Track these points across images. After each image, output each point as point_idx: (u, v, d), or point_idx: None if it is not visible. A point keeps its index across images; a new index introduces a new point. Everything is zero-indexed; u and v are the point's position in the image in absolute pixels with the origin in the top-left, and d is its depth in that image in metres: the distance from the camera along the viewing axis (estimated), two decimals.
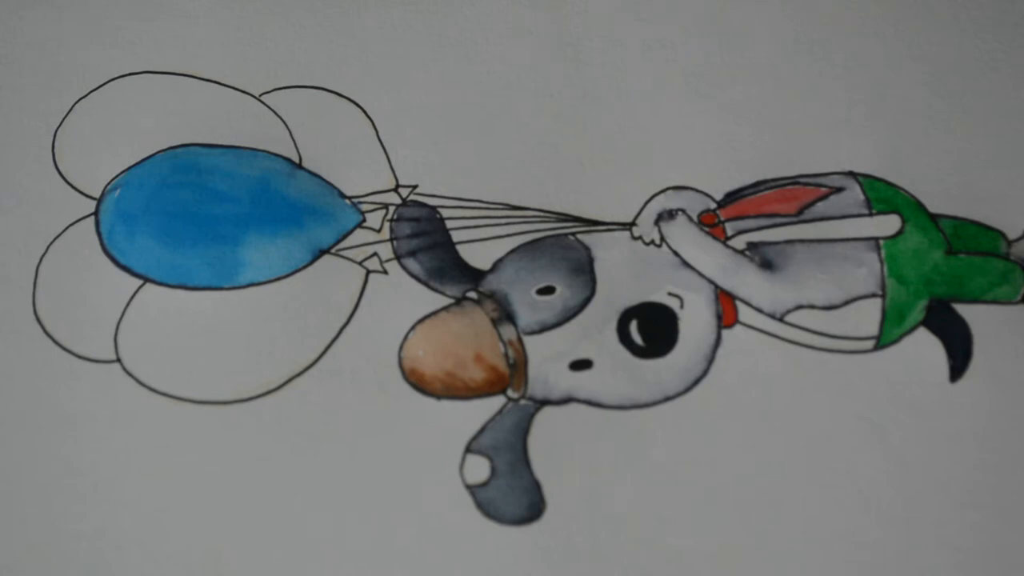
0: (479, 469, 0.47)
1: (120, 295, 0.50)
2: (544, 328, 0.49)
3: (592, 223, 0.52)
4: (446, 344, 0.49)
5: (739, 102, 0.54)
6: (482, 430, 0.47)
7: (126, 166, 0.53)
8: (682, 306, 0.50)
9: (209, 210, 0.52)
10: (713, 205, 0.52)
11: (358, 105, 0.55)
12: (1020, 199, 0.52)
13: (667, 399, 0.48)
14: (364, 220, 0.52)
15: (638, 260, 0.51)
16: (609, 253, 0.51)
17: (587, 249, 0.51)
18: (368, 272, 0.51)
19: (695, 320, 0.49)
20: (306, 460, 0.47)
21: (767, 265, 0.50)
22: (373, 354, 0.49)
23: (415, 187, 0.53)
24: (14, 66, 0.54)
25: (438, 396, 0.48)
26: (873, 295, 0.49)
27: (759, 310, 0.49)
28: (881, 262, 0.50)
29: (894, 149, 0.53)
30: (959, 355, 0.48)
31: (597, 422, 0.47)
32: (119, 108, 0.55)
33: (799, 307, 0.49)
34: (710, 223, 0.51)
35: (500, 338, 0.49)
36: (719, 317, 0.49)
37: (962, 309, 0.49)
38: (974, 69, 0.55)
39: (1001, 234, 0.51)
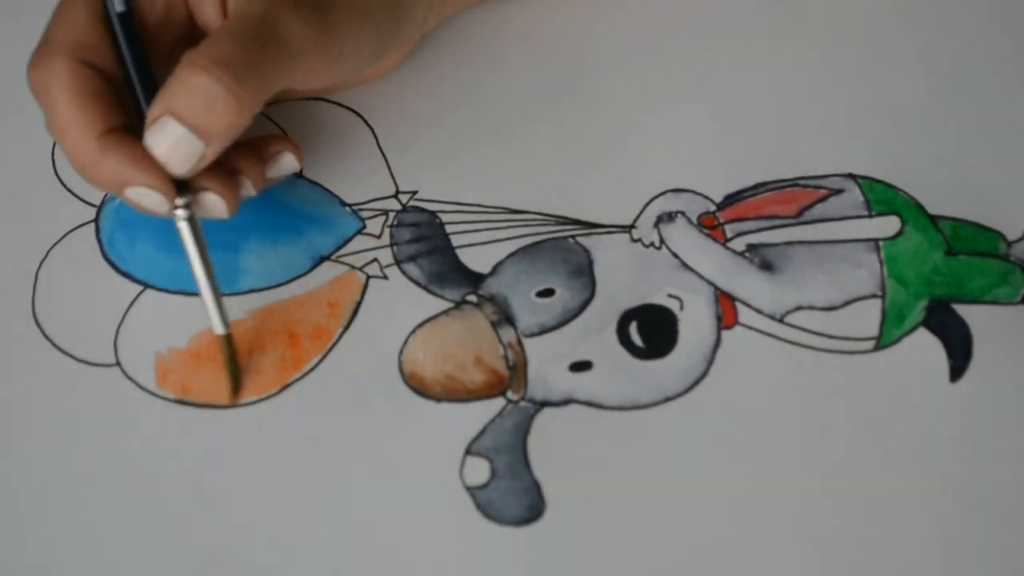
0: (479, 471, 0.47)
1: (120, 300, 0.50)
2: (544, 330, 0.49)
3: (591, 226, 0.52)
4: (446, 347, 0.49)
5: (738, 105, 0.55)
6: (482, 432, 0.47)
7: None
8: (682, 307, 0.50)
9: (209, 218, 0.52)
10: (713, 207, 0.52)
11: (358, 114, 0.55)
12: (1019, 200, 0.52)
13: (667, 400, 0.48)
14: (364, 226, 0.52)
15: (638, 262, 0.51)
16: (609, 255, 0.51)
17: (587, 251, 0.51)
18: (368, 278, 0.51)
19: (695, 321, 0.49)
20: (307, 463, 0.47)
21: (767, 266, 0.50)
22: (373, 358, 0.49)
23: (415, 193, 0.53)
24: (15, 72, 0.54)
25: (438, 399, 0.48)
26: (873, 296, 0.49)
27: (759, 311, 0.49)
28: (881, 263, 0.50)
29: (893, 151, 0.53)
30: (959, 355, 0.48)
31: (597, 423, 0.47)
32: None
33: (799, 308, 0.49)
34: (710, 225, 0.51)
35: (500, 341, 0.49)
36: (719, 318, 0.49)
37: (962, 309, 0.49)
38: (974, 69, 0.55)
39: (1000, 235, 0.51)
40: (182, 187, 0.46)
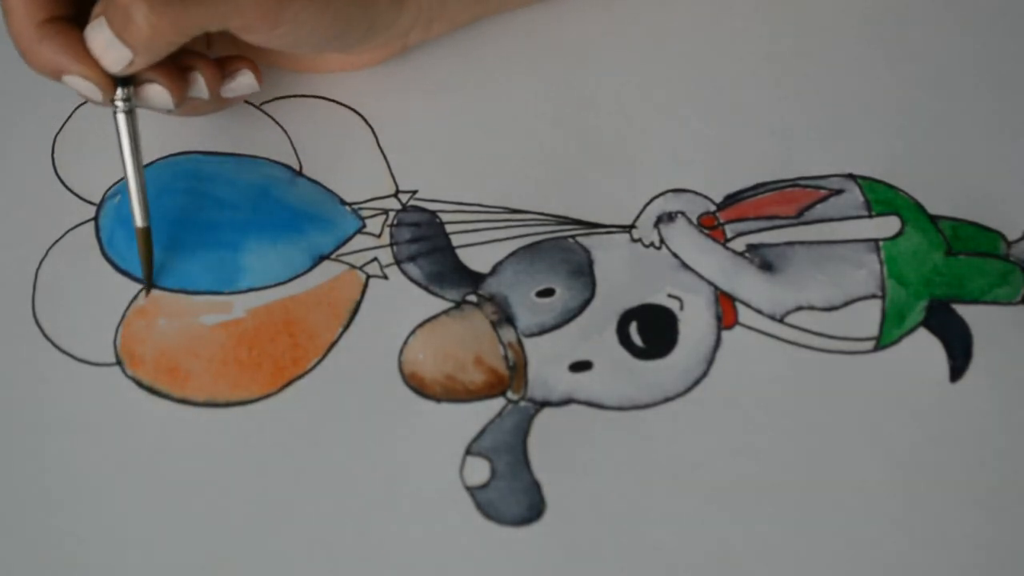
0: (479, 471, 0.47)
1: (120, 299, 0.50)
2: (544, 330, 0.49)
3: (592, 226, 0.52)
4: (446, 347, 0.49)
5: (738, 105, 0.55)
6: (482, 432, 0.47)
7: None
8: (682, 308, 0.50)
9: (210, 216, 0.52)
10: (713, 207, 0.52)
11: (358, 113, 0.55)
12: (1020, 200, 0.52)
13: (667, 400, 0.48)
14: (364, 226, 0.52)
15: (638, 262, 0.51)
16: (609, 255, 0.51)
17: (587, 251, 0.51)
18: (368, 277, 0.51)
19: (695, 321, 0.49)
20: (307, 463, 0.47)
21: (767, 267, 0.50)
22: (373, 358, 0.49)
23: (415, 192, 0.53)
24: (15, 72, 0.54)
25: (438, 399, 0.48)
26: (873, 296, 0.49)
27: (759, 311, 0.49)
28: (881, 263, 0.50)
29: (893, 151, 0.53)
30: (959, 355, 0.48)
31: (597, 423, 0.47)
32: None
33: (799, 308, 0.49)
34: (710, 225, 0.51)
35: (500, 340, 0.49)
36: (719, 318, 0.49)
37: (962, 309, 0.49)
38: (974, 70, 0.55)
39: (1000, 235, 0.51)
40: (127, 80, 0.47)
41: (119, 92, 0.47)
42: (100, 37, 0.45)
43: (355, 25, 0.51)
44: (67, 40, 0.46)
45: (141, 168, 0.48)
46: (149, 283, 0.50)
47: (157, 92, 0.48)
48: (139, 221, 0.49)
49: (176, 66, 0.48)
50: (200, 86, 0.49)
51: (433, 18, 0.54)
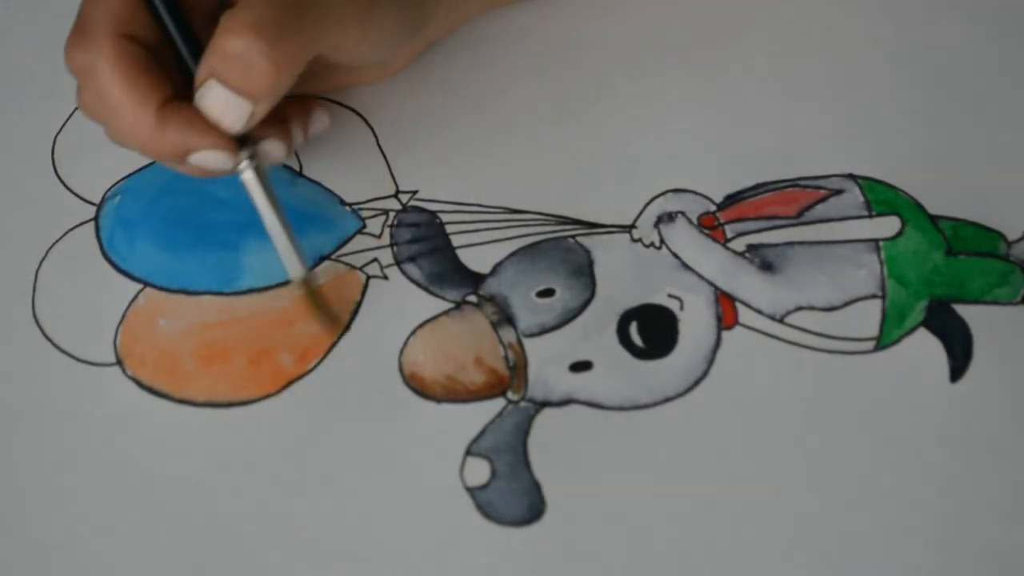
0: (479, 471, 0.47)
1: (120, 299, 0.50)
2: (544, 330, 0.49)
3: (592, 226, 0.52)
4: (446, 348, 0.49)
5: (739, 105, 0.55)
6: (482, 432, 0.47)
7: (126, 173, 0.54)
8: (682, 308, 0.50)
9: (209, 216, 0.52)
10: (713, 207, 0.52)
11: (358, 113, 0.55)
12: (1020, 200, 0.52)
13: (667, 400, 0.48)
14: (364, 226, 0.52)
15: (638, 262, 0.51)
16: (609, 255, 0.51)
17: (587, 251, 0.51)
18: (368, 277, 0.51)
19: (695, 322, 0.49)
20: (307, 464, 0.47)
21: (767, 267, 0.50)
22: (374, 359, 0.49)
23: (415, 192, 0.53)
24: (15, 72, 0.54)
25: (438, 399, 0.48)
26: (873, 296, 0.49)
27: (759, 311, 0.49)
28: (881, 263, 0.50)
29: (893, 151, 0.53)
30: (959, 355, 0.48)
31: (597, 423, 0.47)
32: None
33: (799, 308, 0.49)
34: (710, 225, 0.51)
35: (500, 341, 0.49)
36: (719, 319, 0.49)
37: (962, 309, 0.49)
38: (974, 70, 0.55)
39: (1001, 235, 0.51)
40: (242, 140, 0.46)
41: (242, 152, 0.46)
42: (216, 99, 0.44)
43: (414, 22, 0.51)
44: (188, 116, 0.45)
45: (286, 220, 0.47)
46: (334, 322, 0.50)
47: (272, 147, 0.47)
48: (298, 274, 0.48)
49: (277, 117, 0.48)
50: (298, 135, 0.49)
51: (455, 18, 0.54)
